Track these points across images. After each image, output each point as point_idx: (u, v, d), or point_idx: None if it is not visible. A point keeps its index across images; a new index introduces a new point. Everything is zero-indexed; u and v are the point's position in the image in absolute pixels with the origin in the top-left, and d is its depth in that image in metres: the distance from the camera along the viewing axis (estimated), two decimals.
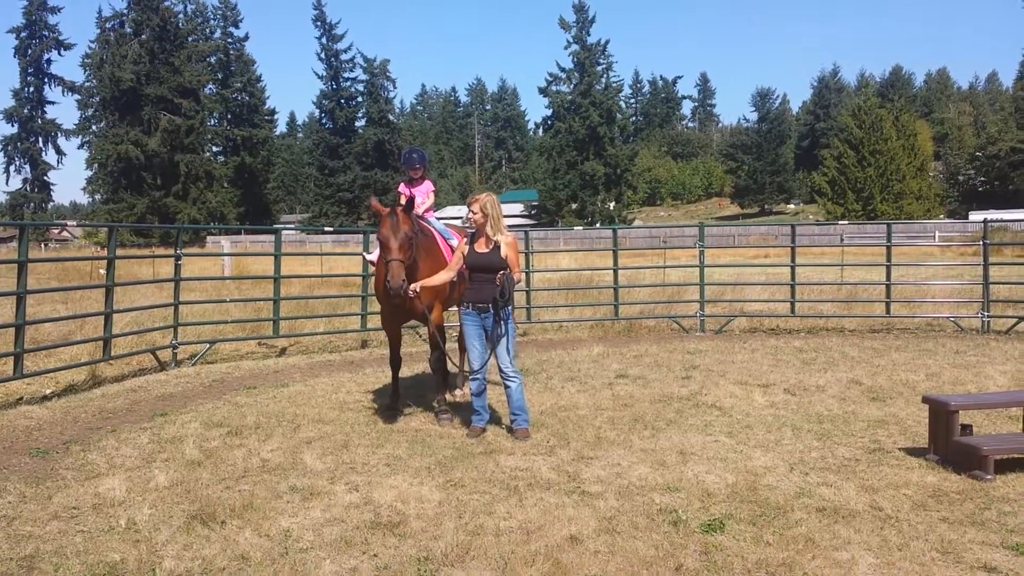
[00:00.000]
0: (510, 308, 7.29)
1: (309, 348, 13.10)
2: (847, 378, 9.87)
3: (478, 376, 7.42)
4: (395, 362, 8.51)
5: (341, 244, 49.56)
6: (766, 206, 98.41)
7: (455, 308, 8.53)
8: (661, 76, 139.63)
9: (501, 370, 7.28)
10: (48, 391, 9.40)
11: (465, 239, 7.51)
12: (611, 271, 15.51)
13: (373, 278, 9.03)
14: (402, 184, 9.26)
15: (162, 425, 7.91)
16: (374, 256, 8.50)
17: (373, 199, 7.84)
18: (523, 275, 7.95)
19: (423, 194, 9.07)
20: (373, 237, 8.33)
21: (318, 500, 5.64)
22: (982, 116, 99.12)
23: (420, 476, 6.16)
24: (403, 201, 8.87)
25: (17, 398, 9.05)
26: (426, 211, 8.95)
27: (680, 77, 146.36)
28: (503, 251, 7.24)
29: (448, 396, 8.55)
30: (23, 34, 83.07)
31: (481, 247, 7.29)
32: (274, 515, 5.33)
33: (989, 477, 5.91)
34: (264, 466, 6.47)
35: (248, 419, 8.04)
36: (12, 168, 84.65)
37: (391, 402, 8.40)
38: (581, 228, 24.27)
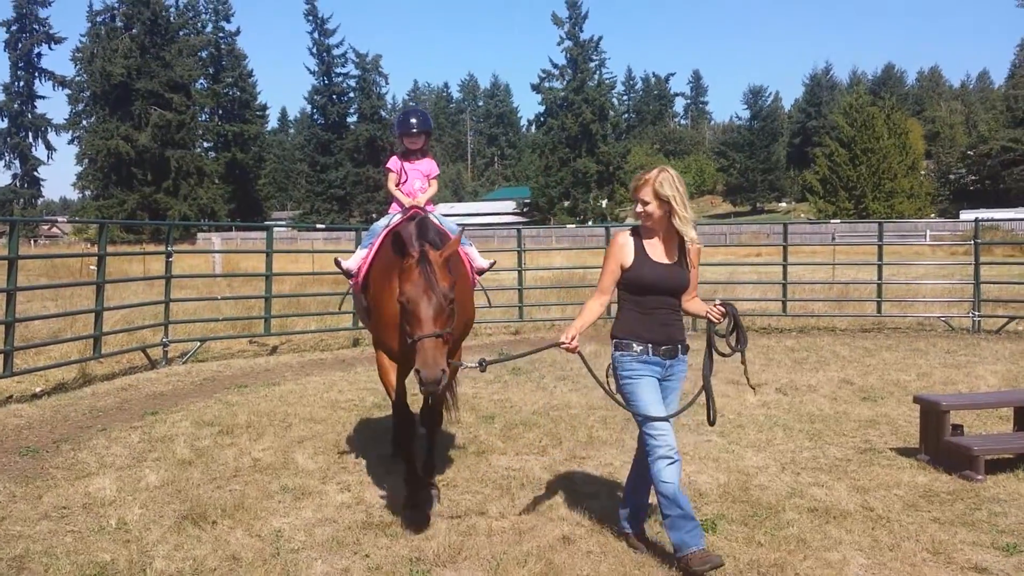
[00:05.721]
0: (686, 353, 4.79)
1: (300, 346, 13.07)
2: (838, 377, 9.90)
3: (675, 461, 4.51)
4: (405, 432, 5.63)
5: (333, 241, 49.38)
6: (758, 204, 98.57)
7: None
8: (654, 73, 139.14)
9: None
10: (38, 389, 9.35)
11: (627, 235, 4.67)
12: None
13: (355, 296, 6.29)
14: (394, 158, 6.42)
15: (153, 424, 7.87)
16: (352, 262, 6.07)
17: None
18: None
19: (421, 176, 6.33)
20: (364, 234, 6.30)
21: (310, 500, 5.63)
22: (973, 115, 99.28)
23: None
24: (390, 184, 6.36)
25: (7, 396, 8.99)
26: (426, 203, 6.28)
27: (673, 74, 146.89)
28: (692, 258, 4.64)
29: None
30: (13, 28, 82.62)
31: (659, 254, 4.58)
32: (265, 515, 5.31)
33: (980, 477, 5.93)
34: (255, 465, 6.45)
35: (239, 418, 8.02)
36: (2, 163, 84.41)
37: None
38: (573, 226, 24.07)
